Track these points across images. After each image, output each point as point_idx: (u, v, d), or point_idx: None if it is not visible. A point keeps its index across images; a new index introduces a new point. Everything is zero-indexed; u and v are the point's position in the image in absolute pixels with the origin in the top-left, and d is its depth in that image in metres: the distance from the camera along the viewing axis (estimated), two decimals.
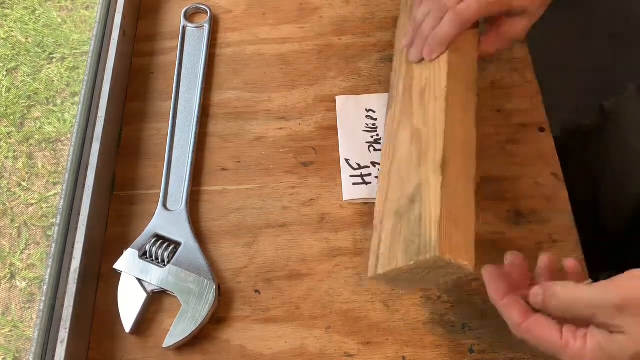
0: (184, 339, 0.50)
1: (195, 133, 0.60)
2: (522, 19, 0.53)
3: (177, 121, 0.61)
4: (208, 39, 0.66)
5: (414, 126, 0.50)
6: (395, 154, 0.51)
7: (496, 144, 0.60)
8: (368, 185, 0.58)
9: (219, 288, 0.53)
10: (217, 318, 0.52)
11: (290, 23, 0.69)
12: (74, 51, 1.67)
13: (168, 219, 0.56)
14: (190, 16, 0.69)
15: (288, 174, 0.59)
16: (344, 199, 0.57)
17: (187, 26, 0.67)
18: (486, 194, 0.53)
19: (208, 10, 0.68)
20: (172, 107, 0.62)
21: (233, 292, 0.53)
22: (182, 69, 0.64)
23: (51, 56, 1.66)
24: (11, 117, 1.55)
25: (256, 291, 0.53)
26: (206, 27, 0.67)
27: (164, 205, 0.56)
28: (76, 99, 1.57)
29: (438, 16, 0.51)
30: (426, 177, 0.45)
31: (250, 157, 0.60)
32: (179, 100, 0.62)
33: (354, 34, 0.67)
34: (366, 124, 0.61)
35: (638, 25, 1.30)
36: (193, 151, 0.59)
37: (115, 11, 0.65)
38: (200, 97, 0.62)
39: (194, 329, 0.50)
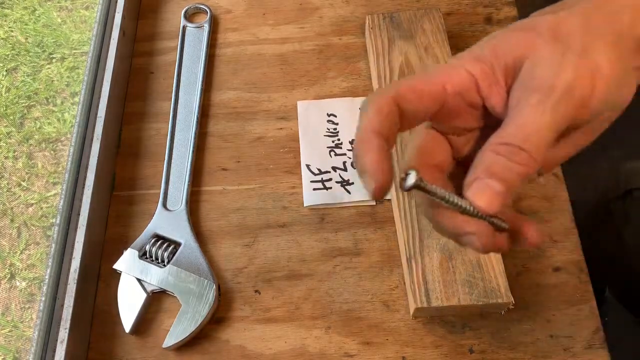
0: (184, 339, 0.50)
1: (195, 133, 0.60)
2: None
3: (177, 121, 0.61)
4: (208, 39, 0.66)
5: None
6: None
7: None
8: (329, 190, 0.57)
9: (219, 288, 0.53)
10: (217, 318, 0.52)
11: (290, 23, 0.69)
12: (74, 51, 1.67)
13: (168, 219, 0.56)
14: (190, 16, 0.69)
15: (288, 174, 0.59)
16: (305, 205, 0.57)
17: (187, 26, 0.67)
18: None
19: (208, 10, 0.68)
20: (172, 107, 0.62)
21: (233, 292, 0.53)
22: (182, 69, 0.64)
23: (51, 56, 1.66)
24: (11, 117, 1.55)
25: (256, 291, 0.53)
26: (206, 27, 0.67)
27: (164, 205, 0.56)
28: (76, 99, 1.57)
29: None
30: None
31: (250, 157, 0.60)
32: (179, 100, 0.62)
33: (354, 34, 0.67)
34: (327, 128, 0.61)
35: None
36: (193, 151, 0.59)
37: (115, 11, 0.65)
38: (200, 97, 0.62)
39: (193, 329, 0.50)
